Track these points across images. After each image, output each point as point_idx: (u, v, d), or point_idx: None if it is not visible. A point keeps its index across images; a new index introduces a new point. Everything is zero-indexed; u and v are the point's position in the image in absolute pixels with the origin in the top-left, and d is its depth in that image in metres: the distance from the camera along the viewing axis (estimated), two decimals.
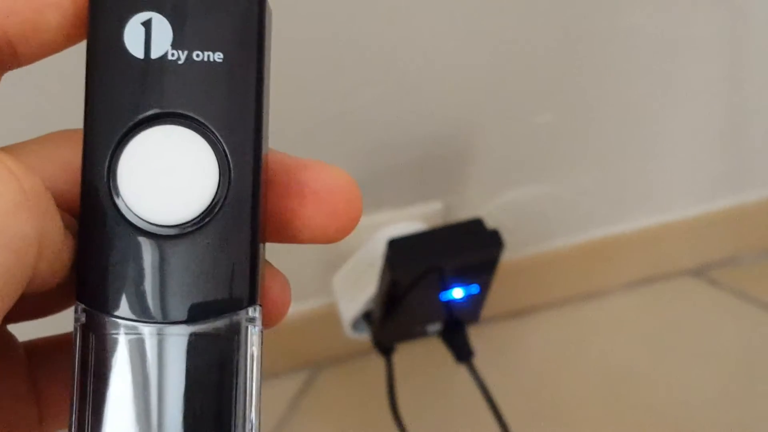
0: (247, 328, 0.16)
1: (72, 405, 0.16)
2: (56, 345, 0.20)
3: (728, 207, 0.80)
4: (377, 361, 0.63)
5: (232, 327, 0.16)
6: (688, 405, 0.77)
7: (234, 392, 0.16)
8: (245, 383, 0.16)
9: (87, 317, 0.16)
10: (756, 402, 0.77)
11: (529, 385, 0.78)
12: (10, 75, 0.18)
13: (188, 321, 0.16)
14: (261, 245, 0.17)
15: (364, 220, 0.64)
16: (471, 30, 0.54)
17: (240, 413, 0.16)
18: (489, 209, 0.68)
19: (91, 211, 0.17)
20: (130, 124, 0.16)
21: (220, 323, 0.16)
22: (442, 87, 0.57)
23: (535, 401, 0.77)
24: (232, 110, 0.16)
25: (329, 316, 0.69)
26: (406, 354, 0.65)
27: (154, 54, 0.16)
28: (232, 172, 0.16)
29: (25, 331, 0.20)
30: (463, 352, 0.61)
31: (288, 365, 0.77)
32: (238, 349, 0.16)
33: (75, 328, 0.16)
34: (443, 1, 0.52)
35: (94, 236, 0.16)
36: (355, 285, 0.63)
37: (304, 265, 0.67)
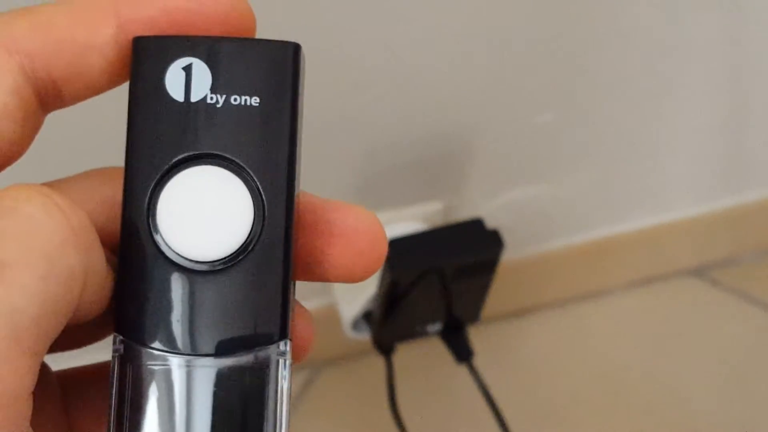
0: (278, 361, 0.17)
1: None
2: (88, 375, 0.20)
3: (729, 207, 0.80)
4: (377, 361, 0.64)
5: (264, 360, 0.17)
6: (688, 404, 0.77)
7: (265, 425, 0.17)
8: (275, 416, 0.17)
9: (125, 348, 0.17)
10: (756, 402, 0.77)
11: (529, 384, 0.78)
12: (53, 114, 0.18)
13: (224, 354, 0.17)
14: (292, 282, 0.18)
15: None
16: (470, 30, 0.54)
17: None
18: (489, 209, 0.68)
19: (131, 246, 0.17)
20: (170, 163, 0.17)
21: (253, 357, 0.17)
22: (442, 87, 0.57)
23: (535, 401, 0.77)
24: (267, 153, 0.17)
25: (329, 317, 0.69)
26: (406, 354, 0.66)
27: (194, 97, 0.17)
28: (266, 211, 0.17)
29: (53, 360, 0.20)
30: (463, 353, 0.62)
31: None
32: (269, 382, 0.17)
33: (113, 359, 0.17)
34: (443, 2, 0.52)
35: (133, 271, 0.17)
36: (355, 285, 0.63)
37: None
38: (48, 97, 0.17)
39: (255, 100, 0.17)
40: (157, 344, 0.17)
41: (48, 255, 0.15)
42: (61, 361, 0.20)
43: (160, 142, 0.17)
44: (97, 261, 0.16)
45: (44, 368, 0.19)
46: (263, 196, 0.17)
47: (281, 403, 0.17)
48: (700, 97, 0.68)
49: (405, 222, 0.64)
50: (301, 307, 0.19)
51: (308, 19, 0.49)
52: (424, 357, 0.75)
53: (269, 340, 0.17)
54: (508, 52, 0.57)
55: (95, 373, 0.20)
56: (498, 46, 0.56)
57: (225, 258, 0.17)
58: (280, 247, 0.17)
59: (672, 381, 0.79)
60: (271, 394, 0.17)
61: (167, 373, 0.17)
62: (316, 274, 0.18)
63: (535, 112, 0.62)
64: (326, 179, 0.60)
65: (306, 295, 0.70)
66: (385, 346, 0.63)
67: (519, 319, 0.82)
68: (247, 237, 0.17)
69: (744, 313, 0.83)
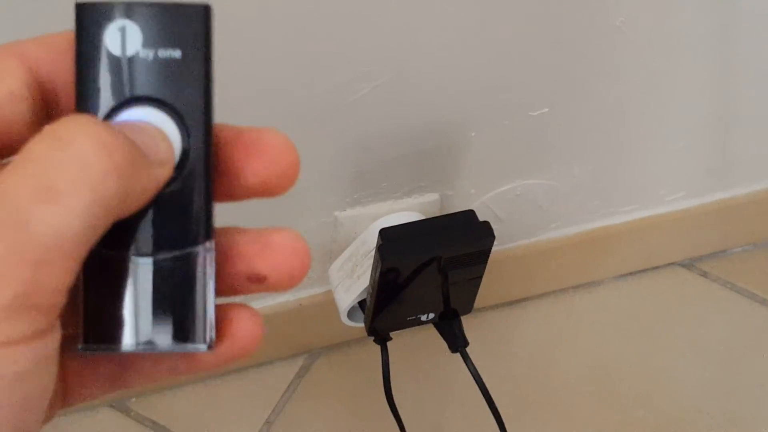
0: (205, 256, 0.22)
1: (82, 307, 0.21)
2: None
3: (718, 201, 0.80)
4: (373, 349, 0.64)
5: (196, 254, 0.22)
6: (676, 393, 0.78)
7: (197, 300, 0.22)
8: (204, 287, 0.22)
9: (91, 253, 0.21)
10: (744, 390, 0.78)
11: (522, 373, 0.79)
12: None
13: (171, 249, 0.21)
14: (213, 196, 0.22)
15: (361, 211, 0.65)
16: (468, 24, 0.55)
17: (203, 305, 0.22)
18: (484, 200, 0.69)
19: None
20: (114, 105, 0.21)
21: (187, 253, 0.22)
22: (440, 80, 0.57)
23: (527, 389, 0.77)
24: (189, 93, 0.21)
25: (326, 304, 0.69)
26: (401, 342, 0.66)
27: (129, 52, 0.21)
28: (190, 140, 0.21)
29: None
30: (457, 342, 0.61)
31: (285, 351, 0.78)
32: (200, 270, 0.22)
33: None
34: None
35: None
36: (352, 274, 0.63)
37: None
38: (49, 102, 0.21)
39: (177, 53, 0.21)
40: (116, 249, 0.21)
41: (92, 185, 0.18)
42: None
43: (105, 88, 0.21)
44: (137, 182, 0.19)
45: None
46: (188, 129, 0.21)
47: (209, 281, 0.22)
48: (691, 93, 0.68)
49: (401, 213, 0.64)
50: (251, 308, 0.23)
51: (308, 15, 0.50)
52: (418, 345, 0.76)
53: (198, 240, 0.22)
54: (505, 47, 0.57)
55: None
56: (495, 40, 0.56)
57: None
58: (202, 169, 0.21)
59: (661, 369, 0.79)
60: (200, 278, 0.22)
61: (125, 269, 0.21)
62: (240, 185, 0.22)
63: (530, 106, 0.63)
64: (324, 169, 0.61)
65: (304, 284, 0.70)
66: (379, 335, 0.62)
67: (512, 308, 0.82)
68: (177, 160, 0.21)
69: (732, 304, 0.84)
